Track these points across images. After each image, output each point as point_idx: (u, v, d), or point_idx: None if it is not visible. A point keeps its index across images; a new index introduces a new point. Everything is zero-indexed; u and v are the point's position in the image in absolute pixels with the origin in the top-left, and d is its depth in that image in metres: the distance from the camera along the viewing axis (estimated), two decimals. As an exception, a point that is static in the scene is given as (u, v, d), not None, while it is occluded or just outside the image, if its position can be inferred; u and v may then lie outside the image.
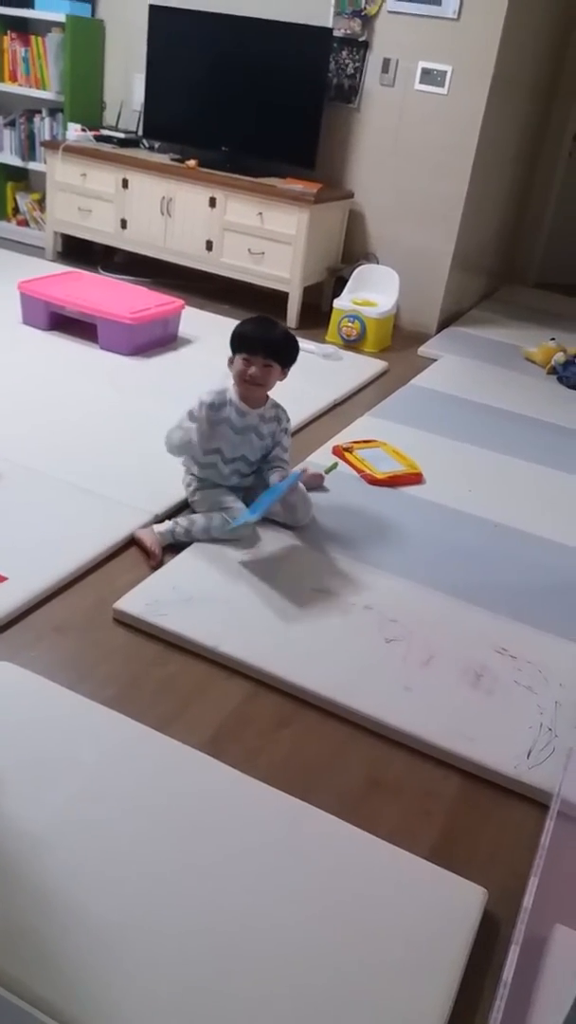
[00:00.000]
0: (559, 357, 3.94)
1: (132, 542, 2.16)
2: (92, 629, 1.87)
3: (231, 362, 2.22)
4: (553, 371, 3.93)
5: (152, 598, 1.94)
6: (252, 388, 2.20)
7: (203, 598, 1.97)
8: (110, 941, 1.21)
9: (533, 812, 1.58)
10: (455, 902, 1.35)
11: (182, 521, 2.18)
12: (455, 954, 1.27)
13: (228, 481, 2.28)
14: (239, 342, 2.19)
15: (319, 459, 2.73)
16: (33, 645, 1.80)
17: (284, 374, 2.24)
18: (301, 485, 2.30)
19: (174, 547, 2.15)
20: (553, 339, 4.13)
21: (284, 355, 2.20)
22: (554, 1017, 0.92)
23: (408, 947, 1.27)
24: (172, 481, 2.38)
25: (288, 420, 2.33)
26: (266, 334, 2.19)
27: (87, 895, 1.26)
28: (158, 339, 3.47)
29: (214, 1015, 1.14)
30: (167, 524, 2.18)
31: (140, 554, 2.12)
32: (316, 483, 2.55)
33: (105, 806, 1.42)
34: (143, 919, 1.25)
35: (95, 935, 1.21)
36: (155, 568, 2.07)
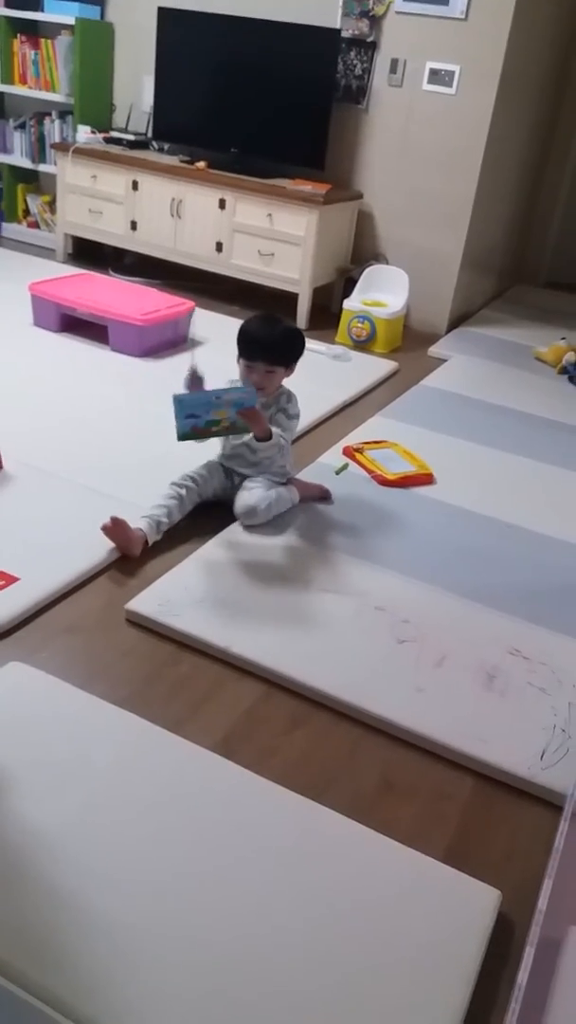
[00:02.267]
0: (570, 356, 3.92)
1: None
2: (104, 630, 1.88)
3: (238, 362, 2.23)
4: (564, 371, 3.92)
5: (164, 598, 1.94)
6: (259, 388, 2.19)
7: (215, 598, 1.97)
8: (123, 941, 1.21)
9: (547, 814, 1.57)
10: (469, 904, 1.34)
11: (157, 512, 2.17)
12: (469, 956, 1.26)
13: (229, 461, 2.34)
14: (241, 347, 2.19)
15: (330, 460, 2.73)
16: (45, 645, 1.80)
17: (290, 370, 2.24)
18: (291, 491, 2.33)
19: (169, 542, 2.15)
20: (564, 339, 4.12)
21: (286, 357, 2.20)
22: (569, 1020, 0.92)
23: (422, 949, 1.27)
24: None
25: (290, 401, 2.30)
26: (266, 339, 2.16)
27: (100, 895, 1.27)
28: (168, 340, 3.47)
29: (227, 1015, 1.14)
30: (145, 522, 2.13)
31: (147, 554, 2.12)
32: (316, 495, 2.47)
33: (117, 807, 1.42)
34: (156, 919, 1.25)
35: (108, 935, 1.21)
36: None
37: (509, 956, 1.30)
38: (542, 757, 1.65)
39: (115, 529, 2.07)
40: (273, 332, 2.18)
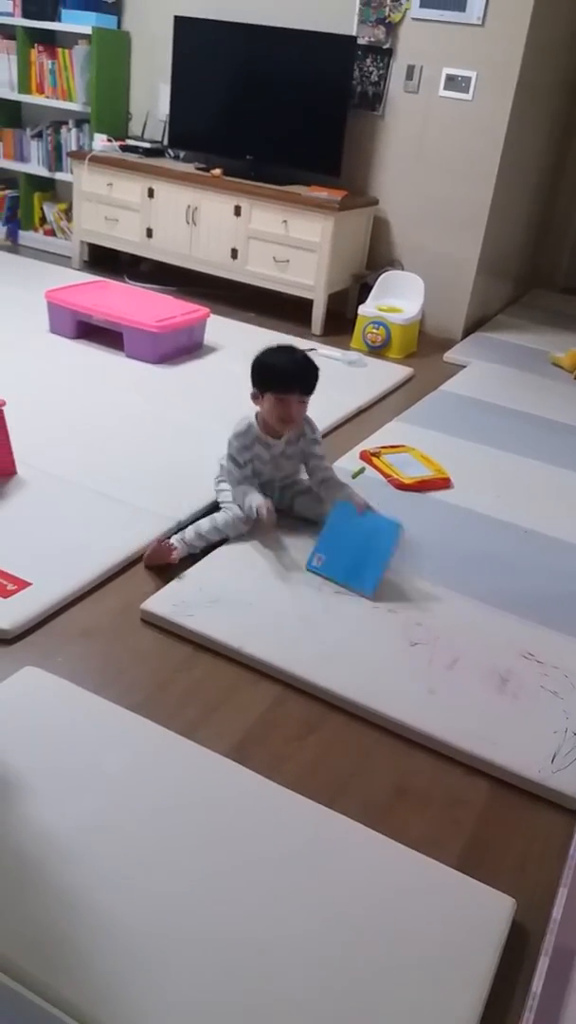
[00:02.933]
0: (587, 362, 3.90)
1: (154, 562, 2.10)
2: (119, 633, 1.88)
3: (257, 399, 2.17)
4: (580, 376, 3.90)
5: (179, 599, 1.94)
6: (287, 426, 2.18)
7: (229, 600, 1.97)
8: (136, 947, 1.20)
9: (561, 819, 1.55)
10: (483, 912, 1.33)
11: (187, 533, 2.15)
12: (484, 964, 1.25)
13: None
14: (272, 382, 2.13)
15: (346, 464, 2.73)
16: (59, 650, 1.81)
17: None
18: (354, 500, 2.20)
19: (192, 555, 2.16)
20: (580, 344, 4.10)
21: (315, 385, 2.16)
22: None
23: (436, 957, 1.26)
24: (196, 488, 2.39)
25: (315, 429, 2.28)
26: (299, 371, 2.12)
27: (114, 901, 1.27)
28: (184, 347, 3.49)
29: (236, 1020, 1.13)
30: (174, 540, 2.13)
31: (165, 561, 2.13)
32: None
33: (130, 813, 1.42)
34: (170, 925, 1.24)
35: (122, 940, 1.21)
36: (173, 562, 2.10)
37: (523, 964, 1.29)
38: (553, 760, 1.63)
39: (155, 555, 2.10)
40: (301, 362, 2.14)
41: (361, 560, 2.07)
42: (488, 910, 1.33)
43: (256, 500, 2.14)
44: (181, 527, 2.22)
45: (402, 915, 1.32)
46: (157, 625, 1.91)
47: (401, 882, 1.37)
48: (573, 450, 3.11)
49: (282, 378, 2.12)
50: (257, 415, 2.20)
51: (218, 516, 2.19)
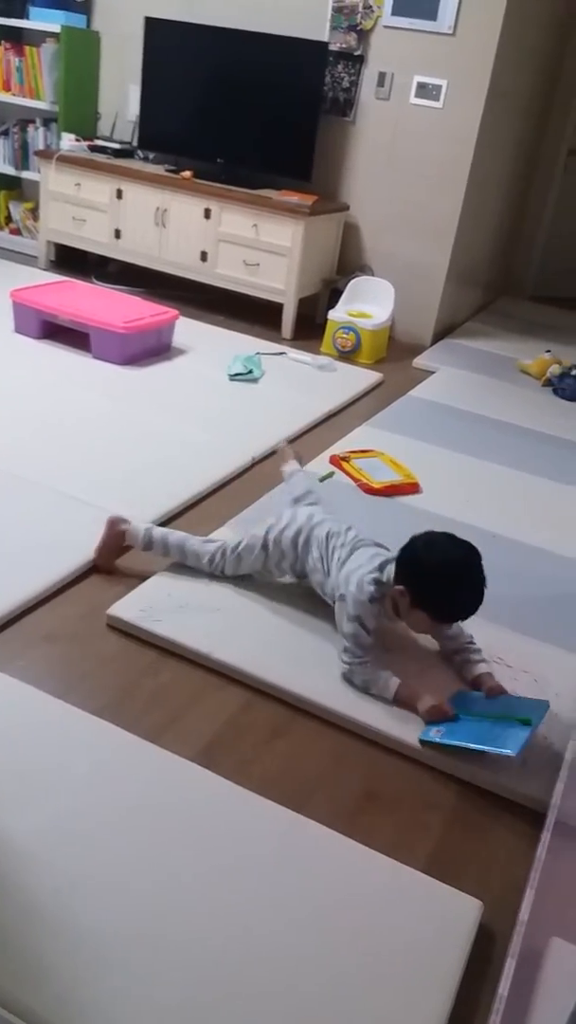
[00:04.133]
0: (555, 369, 3.94)
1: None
2: (84, 637, 1.85)
3: (405, 597, 1.74)
4: (548, 383, 3.94)
5: (146, 604, 1.92)
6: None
7: (198, 605, 1.95)
8: (102, 954, 1.18)
9: (530, 822, 1.56)
10: (451, 915, 1.33)
11: (156, 530, 2.06)
12: (451, 967, 1.25)
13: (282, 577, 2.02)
14: (446, 612, 1.76)
15: (316, 468, 2.72)
16: (22, 654, 1.77)
17: None
18: None
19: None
20: (548, 351, 4.14)
21: None
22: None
23: (404, 960, 1.25)
24: (161, 490, 2.37)
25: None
26: (476, 606, 1.73)
27: (78, 907, 1.24)
28: (151, 349, 3.46)
29: (205, 1031, 1.12)
30: (144, 525, 2.06)
31: (130, 560, 2.10)
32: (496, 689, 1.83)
33: (96, 818, 1.40)
34: (135, 932, 1.22)
35: (87, 947, 1.19)
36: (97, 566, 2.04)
37: (490, 967, 1.29)
38: (524, 764, 1.63)
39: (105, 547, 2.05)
40: (482, 591, 1.73)
41: (492, 730, 1.66)
42: (455, 913, 1.33)
43: (427, 703, 1.71)
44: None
45: (370, 919, 1.31)
46: (123, 630, 1.88)
47: (369, 886, 1.36)
48: (540, 456, 3.14)
49: (459, 615, 1.76)
50: (389, 581, 1.78)
51: (192, 541, 2.03)
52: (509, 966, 1.25)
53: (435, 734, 1.66)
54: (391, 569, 1.78)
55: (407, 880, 1.38)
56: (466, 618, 1.77)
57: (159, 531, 2.08)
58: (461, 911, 1.33)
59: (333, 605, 1.87)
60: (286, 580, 2.03)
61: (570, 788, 1.53)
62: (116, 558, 2.08)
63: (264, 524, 2.01)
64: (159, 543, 2.05)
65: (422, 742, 1.66)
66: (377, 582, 1.76)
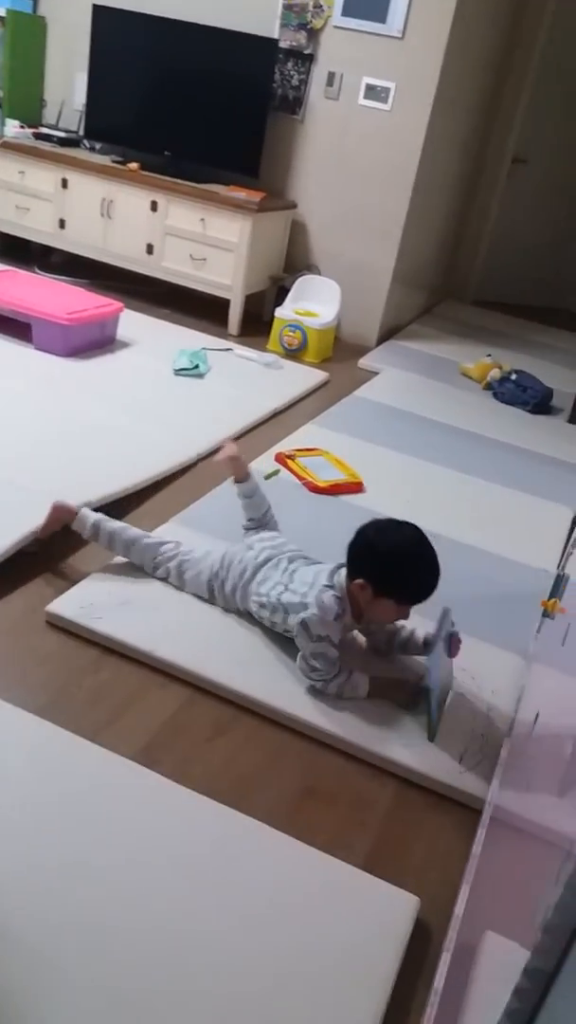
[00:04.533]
0: (495, 373, 4.02)
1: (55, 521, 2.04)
2: (21, 634, 1.82)
3: (365, 590, 1.73)
4: (489, 387, 4.01)
5: (87, 601, 1.89)
6: (384, 624, 1.88)
7: (140, 602, 1.94)
8: (33, 951, 1.16)
9: (466, 818, 1.59)
10: (388, 911, 1.34)
11: (108, 524, 2.03)
12: (387, 962, 1.26)
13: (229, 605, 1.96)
14: (407, 595, 1.74)
15: (261, 465, 2.72)
16: (-41, 650, 1.73)
17: None
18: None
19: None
20: (489, 355, 4.22)
21: None
22: (484, 1023, 0.92)
23: (341, 956, 1.26)
24: (101, 483, 2.34)
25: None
26: (435, 586, 1.74)
27: (12, 905, 1.22)
28: (95, 341, 3.41)
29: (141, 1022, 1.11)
30: (97, 515, 2.04)
31: (72, 556, 2.07)
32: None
33: (33, 817, 1.37)
34: (68, 930, 1.20)
35: (18, 945, 1.17)
36: (40, 539, 2.03)
37: (426, 961, 1.31)
38: (461, 760, 1.66)
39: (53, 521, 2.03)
40: (437, 572, 1.74)
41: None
42: (392, 909, 1.35)
43: (409, 679, 1.80)
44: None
45: (308, 915, 1.31)
46: (63, 628, 1.85)
47: (307, 883, 1.37)
48: (480, 458, 3.20)
49: (424, 595, 1.74)
50: (344, 594, 1.76)
51: (144, 543, 2.00)
52: (444, 960, 1.27)
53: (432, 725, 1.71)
54: (342, 574, 1.78)
55: (345, 877, 1.39)
56: (427, 597, 1.74)
57: (111, 524, 2.04)
58: (398, 907, 1.35)
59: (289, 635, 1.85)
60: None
61: (505, 785, 1.56)
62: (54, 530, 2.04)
63: (209, 567, 1.97)
64: (105, 535, 2.02)
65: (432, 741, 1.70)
66: (337, 598, 1.74)
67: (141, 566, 2.03)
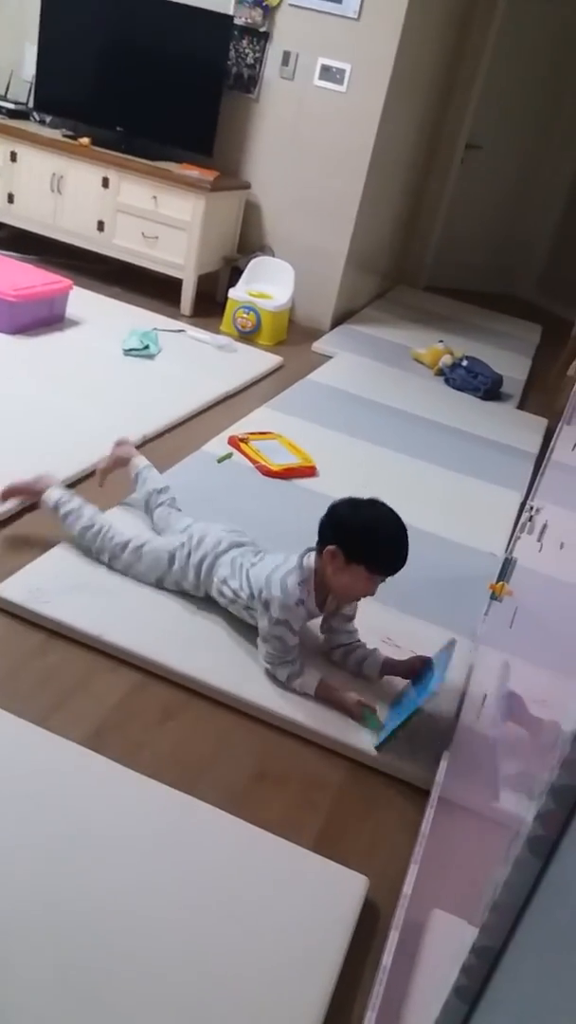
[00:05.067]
0: (446, 359, 4.05)
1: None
2: (-33, 618, 1.78)
3: (333, 560, 1.70)
4: (440, 372, 4.04)
5: (35, 585, 1.86)
6: (353, 601, 1.84)
7: (89, 586, 1.91)
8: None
9: (415, 799, 1.61)
10: (337, 891, 1.36)
11: (75, 503, 2.00)
12: (336, 941, 1.27)
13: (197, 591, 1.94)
14: (379, 562, 1.71)
15: (213, 448, 2.70)
16: None
17: None
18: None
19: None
20: (441, 341, 4.25)
21: None
22: (431, 999, 0.93)
23: (290, 936, 1.27)
24: (44, 465, 2.29)
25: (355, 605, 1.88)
26: (406, 557, 1.73)
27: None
28: (43, 319, 3.34)
29: (87, 1007, 1.10)
30: (67, 495, 2.03)
31: (21, 538, 2.03)
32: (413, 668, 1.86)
33: (-23, 803, 1.35)
34: (13, 913, 1.19)
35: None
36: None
37: (374, 940, 1.32)
38: (409, 742, 1.68)
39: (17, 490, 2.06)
40: (407, 544, 1.73)
41: (415, 688, 1.77)
42: (341, 889, 1.36)
43: (349, 700, 1.74)
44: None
45: (257, 897, 1.32)
46: (9, 611, 1.82)
47: (257, 865, 1.37)
48: (432, 443, 3.23)
49: (394, 564, 1.71)
50: (310, 578, 1.75)
51: (102, 518, 1.98)
52: (392, 938, 1.29)
53: (379, 735, 1.67)
54: (310, 558, 1.76)
55: (294, 858, 1.40)
56: (397, 570, 1.73)
57: (78, 500, 2.02)
58: (347, 887, 1.36)
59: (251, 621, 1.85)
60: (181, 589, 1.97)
61: (453, 766, 1.58)
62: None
63: (175, 537, 1.97)
64: (67, 508, 2.00)
65: (379, 748, 1.65)
66: (301, 584, 1.73)
67: (90, 542, 1.98)
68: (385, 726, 1.70)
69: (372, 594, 1.77)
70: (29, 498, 2.09)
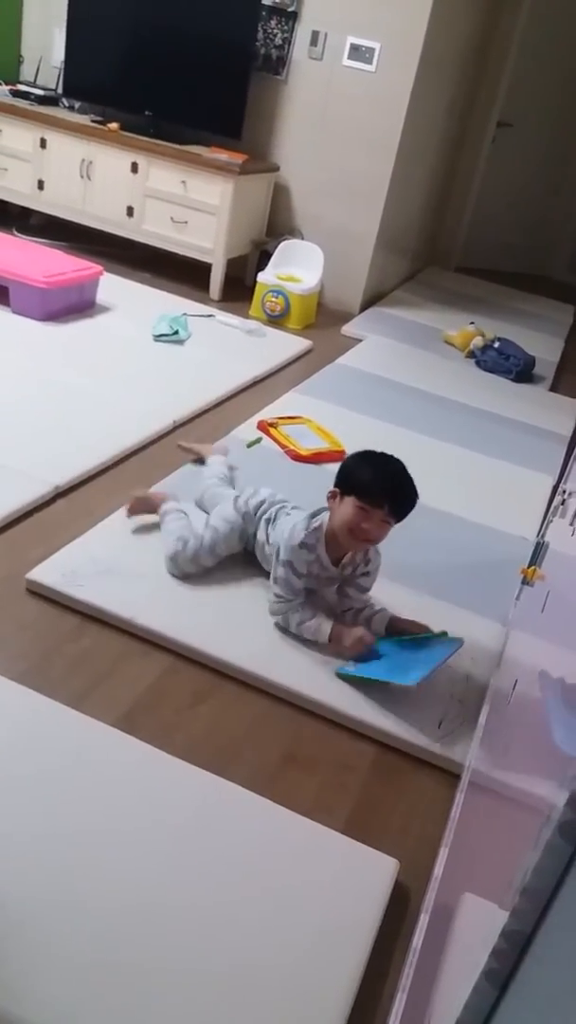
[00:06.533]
0: (478, 341, 4.00)
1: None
2: (2, 601, 1.80)
3: (334, 500, 1.81)
4: (471, 355, 4.00)
5: (68, 568, 1.88)
6: (359, 544, 1.83)
7: (121, 570, 1.93)
8: (18, 918, 1.17)
9: (445, 783, 1.61)
10: (368, 874, 1.36)
11: (183, 519, 2.04)
12: (366, 924, 1.28)
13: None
14: (360, 487, 1.76)
15: (243, 433, 2.70)
16: None
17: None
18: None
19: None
20: (472, 323, 4.20)
21: (407, 511, 1.80)
22: (460, 981, 0.94)
23: (321, 918, 1.28)
24: (78, 451, 2.32)
25: (377, 563, 1.91)
26: (397, 485, 1.77)
27: (-7, 875, 1.22)
28: (74, 305, 3.36)
29: (119, 988, 1.12)
30: (173, 503, 2.10)
31: (51, 523, 2.05)
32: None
33: (14, 785, 1.37)
34: (52, 896, 1.21)
35: (7, 914, 1.17)
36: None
37: (404, 922, 1.33)
38: (440, 726, 1.68)
39: (138, 505, 2.11)
40: (400, 474, 1.78)
41: (406, 662, 1.78)
42: (372, 872, 1.37)
43: (355, 633, 1.79)
44: (59, 491, 2.11)
45: (289, 879, 1.33)
46: (44, 595, 1.84)
47: (288, 847, 1.38)
48: (462, 426, 3.20)
49: (373, 484, 1.75)
50: (322, 527, 1.83)
51: (209, 535, 1.95)
52: (423, 920, 1.29)
53: (351, 667, 1.77)
54: (325, 515, 1.85)
55: (325, 841, 1.41)
56: (381, 496, 1.74)
57: (183, 517, 2.07)
58: (378, 870, 1.37)
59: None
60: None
61: (483, 750, 1.58)
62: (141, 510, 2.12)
63: (228, 499, 2.05)
64: (176, 522, 2.04)
65: (338, 675, 1.75)
66: (310, 531, 1.82)
67: (178, 550, 1.94)
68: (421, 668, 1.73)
69: (374, 538, 1.81)
70: (149, 511, 2.12)
